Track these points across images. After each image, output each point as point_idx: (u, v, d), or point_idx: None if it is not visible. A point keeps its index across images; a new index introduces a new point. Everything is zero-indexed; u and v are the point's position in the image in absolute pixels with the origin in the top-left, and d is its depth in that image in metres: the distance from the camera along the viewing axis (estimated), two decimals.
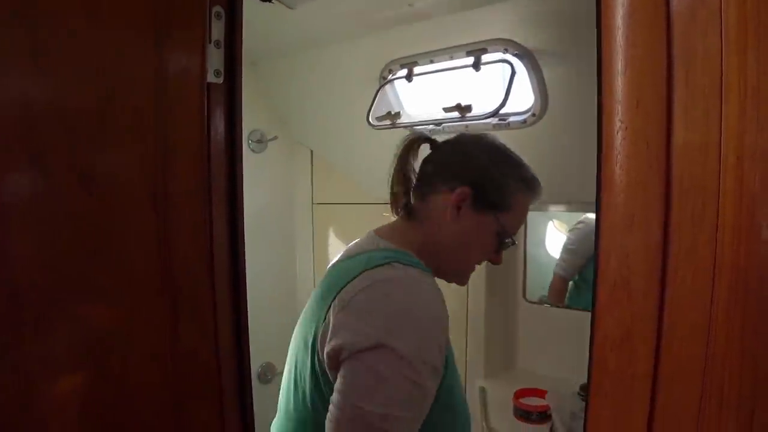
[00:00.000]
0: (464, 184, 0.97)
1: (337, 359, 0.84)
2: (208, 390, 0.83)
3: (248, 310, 0.86)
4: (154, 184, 0.73)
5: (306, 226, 2.42)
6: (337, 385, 0.83)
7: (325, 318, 0.88)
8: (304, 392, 0.93)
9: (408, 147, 1.04)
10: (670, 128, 0.40)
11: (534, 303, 2.09)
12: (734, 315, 0.39)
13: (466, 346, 2.00)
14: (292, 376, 0.98)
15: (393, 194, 1.03)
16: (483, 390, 1.89)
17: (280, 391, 1.05)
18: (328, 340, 0.85)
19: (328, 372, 0.87)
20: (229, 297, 0.84)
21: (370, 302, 0.85)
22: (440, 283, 0.95)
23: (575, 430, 1.55)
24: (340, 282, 0.90)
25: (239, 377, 0.87)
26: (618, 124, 0.43)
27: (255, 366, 2.17)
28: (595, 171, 0.46)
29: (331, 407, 0.83)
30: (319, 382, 0.90)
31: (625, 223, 0.42)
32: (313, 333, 0.91)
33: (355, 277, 0.88)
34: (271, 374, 2.29)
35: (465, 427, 0.98)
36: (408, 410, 0.81)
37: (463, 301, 2.00)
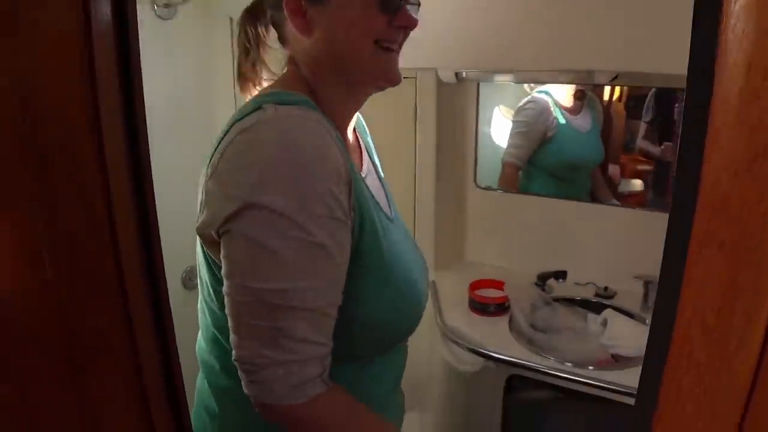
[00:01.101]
0: None
1: (210, 237, 0.71)
2: (105, 292, 0.65)
3: (166, 208, 0.74)
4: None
5: (228, 111, 2.11)
6: (222, 269, 0.70)
7: (200, 195, 0.76)
8: (204, 283, 0.84)
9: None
10: None
11: (485, 189, 1.96)
12: None
13: (414, 238, 1.86)
14: (196, 268, 0.87)
15: (241, 74, 0.89)
16: (433, 284, 1.76)
17: None
18: (198, 217, 0.74)
19: (211, 255, 0.76)
20: (128, 182, 0.64)
21: (234, 158, 0.69)
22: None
23: (536, 321, 1.45)
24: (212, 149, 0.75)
25: (149, 276, 0.70)
26: None
27: (178, 271, 1.96)
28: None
29: (224, 296, 0.70)
30: (212, 269, 0.79)
31: None
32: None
33: (224, 137, 0.73)
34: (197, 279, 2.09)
35: (406, 300, 0.82)
36: (310, 277, 0.67)
37: (410, 189, 1.83)
